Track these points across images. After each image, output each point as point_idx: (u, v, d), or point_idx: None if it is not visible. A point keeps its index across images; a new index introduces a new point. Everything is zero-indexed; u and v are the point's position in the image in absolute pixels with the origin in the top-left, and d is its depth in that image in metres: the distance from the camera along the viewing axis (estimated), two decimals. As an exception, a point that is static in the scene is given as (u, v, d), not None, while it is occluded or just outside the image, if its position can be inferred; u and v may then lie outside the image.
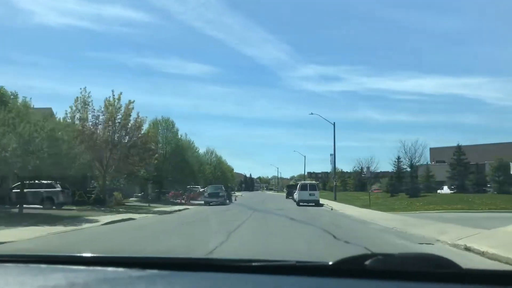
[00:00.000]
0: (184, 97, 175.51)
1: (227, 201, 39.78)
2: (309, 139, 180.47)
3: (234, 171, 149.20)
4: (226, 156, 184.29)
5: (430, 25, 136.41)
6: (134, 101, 30.28)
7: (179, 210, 27.53)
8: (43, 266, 1.63)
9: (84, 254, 1.74)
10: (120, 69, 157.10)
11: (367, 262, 1.40)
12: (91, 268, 1.60)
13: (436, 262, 1.41)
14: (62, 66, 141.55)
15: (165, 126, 44.04)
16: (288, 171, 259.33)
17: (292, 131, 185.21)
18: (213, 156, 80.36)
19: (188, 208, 30.09)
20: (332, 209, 29.80)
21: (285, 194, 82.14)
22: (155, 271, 1.50)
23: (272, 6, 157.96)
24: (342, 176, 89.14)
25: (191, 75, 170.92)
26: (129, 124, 30.39)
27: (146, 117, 32.26)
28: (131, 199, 39.89)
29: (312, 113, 50.46)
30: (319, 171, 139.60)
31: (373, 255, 1.43)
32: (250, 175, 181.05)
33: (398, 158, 52.50)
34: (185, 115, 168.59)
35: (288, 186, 70.22)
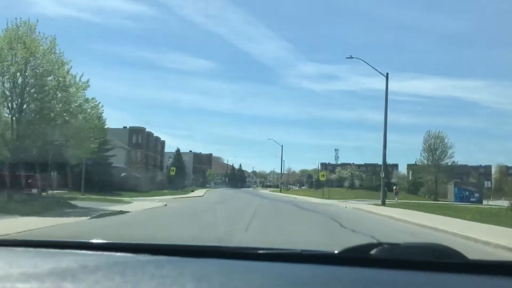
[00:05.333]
0: (185, 92, 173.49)
1: None
2: (309, 137, 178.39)
3: (224, 161, 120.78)
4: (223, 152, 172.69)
5: (431, 26, 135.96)
6: None
7: None
8: (53, 250, 1.67)
9: (94, 240, 1.78)
10: (119, 62, 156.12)
11: (372, 251, 1.41)
12: (100, 253, 1.63)
13: (442, 252, 1.43)
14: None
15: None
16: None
17: (292, 129, 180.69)
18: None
19: None
20: None
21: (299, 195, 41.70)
22: (163, 257, 1.53)
23: (274, 2, 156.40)
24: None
25: (191, 70, 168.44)
26: None
27: None
28: None
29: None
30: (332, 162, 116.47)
31: (379, 244, 1.45)
32: (240, 166, 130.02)
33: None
34: (186, 110, 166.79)
35: None
